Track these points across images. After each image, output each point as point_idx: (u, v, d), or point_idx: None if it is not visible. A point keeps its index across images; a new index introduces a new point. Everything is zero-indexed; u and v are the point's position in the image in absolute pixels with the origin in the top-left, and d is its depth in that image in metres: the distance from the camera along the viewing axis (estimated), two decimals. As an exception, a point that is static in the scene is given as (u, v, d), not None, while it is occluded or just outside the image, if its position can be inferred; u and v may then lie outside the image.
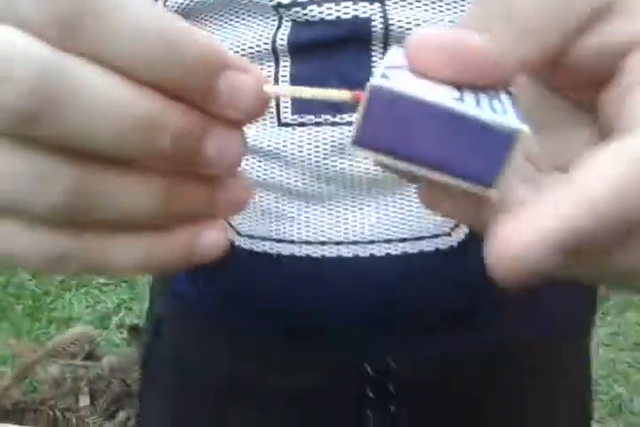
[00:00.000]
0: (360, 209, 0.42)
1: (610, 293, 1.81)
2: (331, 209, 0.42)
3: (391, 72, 0.20)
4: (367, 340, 0.46)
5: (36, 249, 0.20)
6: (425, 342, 0.46)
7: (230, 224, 0.44)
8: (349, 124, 0.40)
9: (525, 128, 0.18)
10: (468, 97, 0.20)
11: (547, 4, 0.21)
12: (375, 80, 0.19)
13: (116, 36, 0.18)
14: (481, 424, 0.51)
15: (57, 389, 1.82)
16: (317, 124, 0.41)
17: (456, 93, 0.19)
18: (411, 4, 0.40)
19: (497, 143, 0.18)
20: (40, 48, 0.18)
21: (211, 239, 0.22)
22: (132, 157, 0.19)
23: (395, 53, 0.22)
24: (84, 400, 1.79)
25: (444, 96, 0.19)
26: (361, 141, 0.19)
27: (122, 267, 0.21)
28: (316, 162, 0.41)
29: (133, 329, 2.16)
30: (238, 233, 0.45)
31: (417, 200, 0.40)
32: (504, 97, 0.21)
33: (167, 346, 0.54)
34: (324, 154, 0.41)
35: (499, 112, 0.19)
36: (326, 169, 0.42)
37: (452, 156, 0.19)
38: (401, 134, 0.19)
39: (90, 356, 2.03)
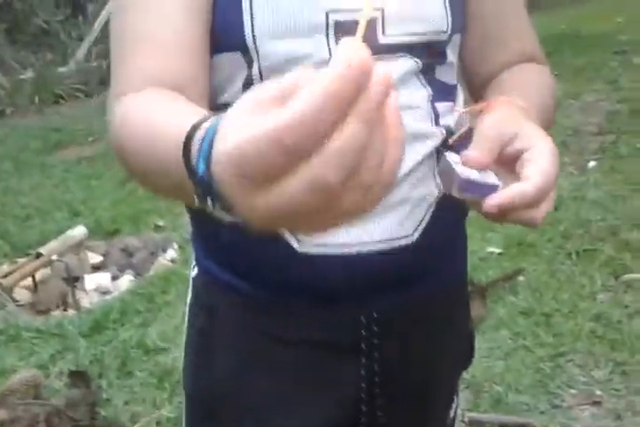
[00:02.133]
0: (367, 225, 0.75)
1: (487, 314, 2.20)
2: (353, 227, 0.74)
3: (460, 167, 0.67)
4: (360, 301, 0.78)
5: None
6: (392, 299, 0.79)
7: (296, 237, 0.75)
8: None
9: (499, 182, 0.66)
10: (483, 173, 0.66)
11: (493, 136, 0.66)
12: (461, 175, 0.66)
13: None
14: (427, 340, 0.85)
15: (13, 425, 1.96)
16: None
17: (481, 173, 0.66)
18: None
19: (490, 188, 0.64)
20: None
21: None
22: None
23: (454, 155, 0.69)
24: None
25: (475, 174, 0.66)
26: (459, 193, 0.66)
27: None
28: None
29: (76, 373, 2.24)
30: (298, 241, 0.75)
31: (394, 220, 0.76)
32: (490, 172, 0.66)
33: (224, 320, 0.84)
34: None
35: (486, 177, 0.66)
36: None
37: (477, 192, 0.65)
38: (466, 187, 0.65)
39: (37, 398, 2.15)
